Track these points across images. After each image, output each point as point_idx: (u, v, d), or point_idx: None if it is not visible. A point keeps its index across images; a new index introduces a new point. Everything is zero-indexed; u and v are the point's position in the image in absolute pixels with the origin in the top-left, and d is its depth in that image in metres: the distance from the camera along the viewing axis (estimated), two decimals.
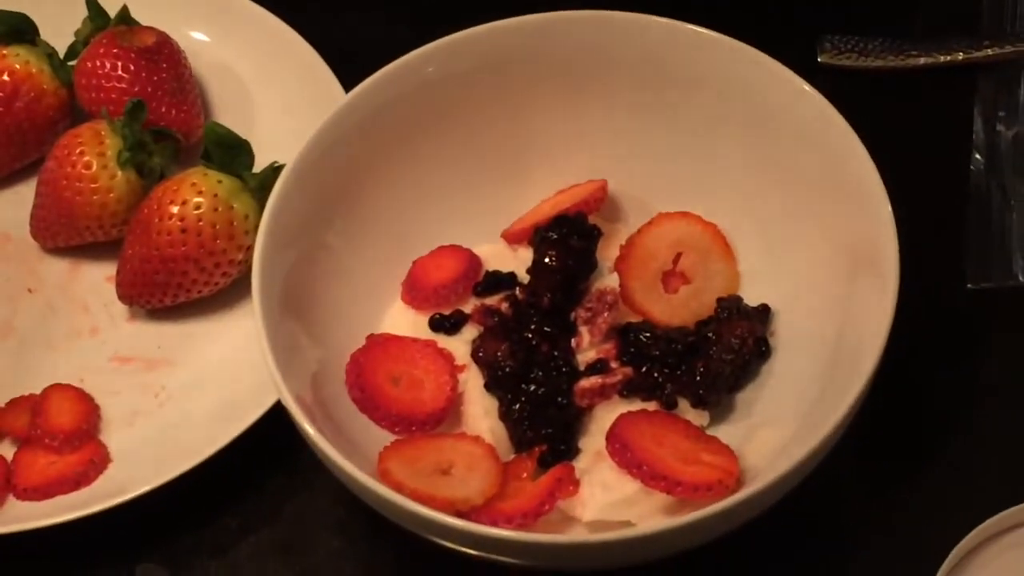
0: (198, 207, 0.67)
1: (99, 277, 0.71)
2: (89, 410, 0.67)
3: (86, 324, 0.70)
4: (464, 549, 0.58)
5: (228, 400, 0.66)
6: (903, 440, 0.66)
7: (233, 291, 0.69)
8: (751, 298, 0.66)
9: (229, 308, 0.69)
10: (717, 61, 0.66)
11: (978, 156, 0.72)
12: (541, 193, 0.69)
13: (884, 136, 0.63)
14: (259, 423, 0.65)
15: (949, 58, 0.75)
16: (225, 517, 0.66)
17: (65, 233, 0.70)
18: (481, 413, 0.64)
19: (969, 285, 0.69)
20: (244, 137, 0.68)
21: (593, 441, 0.63)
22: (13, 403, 0.67)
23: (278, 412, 0.64)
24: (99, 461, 0.65)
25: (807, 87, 0.64)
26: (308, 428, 0.58)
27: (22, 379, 0.68)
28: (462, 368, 0.65)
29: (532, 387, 0.64)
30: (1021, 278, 0.69)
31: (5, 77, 0.72)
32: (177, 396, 0.68)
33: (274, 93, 0.74)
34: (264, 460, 0.66)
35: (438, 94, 0.67)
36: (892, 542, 0.63)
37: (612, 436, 0.61)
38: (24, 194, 0.73)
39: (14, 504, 0.65)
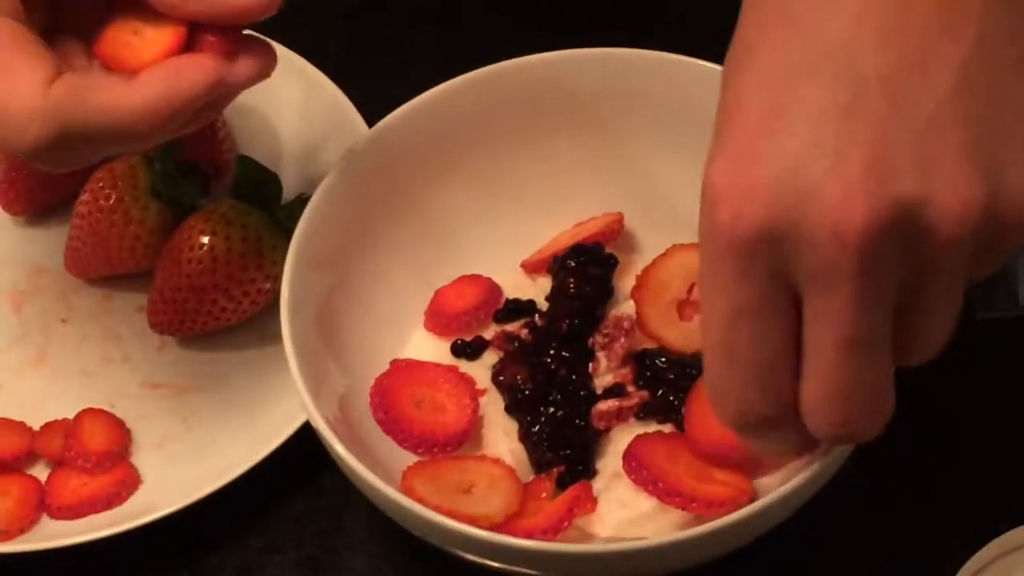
0: (227, 237, 0.69)
1: (131, 308, 0.73)
2: (121, 433, 0.69)
3: (118, 353, 0.72)
4: (486, 561, 0.59)
5: (255, 425, 0.68)
6: (914, 460, 0.67)
7: (260, 320, 0.71)
8: None
9: (257, 336, 0.72)
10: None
11: None
12: (559, 226, 0.71)
13: None
14: (285, 447, 0.67)
15: None
16: (251, 538, 0.67)
17: (98, 264, 0.73)
18: (501, 435, 0.66)
19: (978, 315, 0.71)
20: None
21: (610, 462, 0.65)
22: (47, 427, 0.69)
23: (303, 436, 0.66)
24: (130, 482, 0.67)
25: None
26: (337, 446, 0.59)
27: (56, 405, 0.70)
28: (483, 392, 0.67)
29: (551, 409, 0.66)
30: (1022, 303, 0.71)
31: None
32: (206, 421, 0.70)
33: (300, 130, 0.76)
34: (289, 483, 0.68)
35: (459, 129, 0.69)
36: (901, 559, 0.65)
37: (628, 455, 0.63)
38: (57, 229, 0.75)
39: (47, 523, 0.67)
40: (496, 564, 0.59)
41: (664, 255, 0.70)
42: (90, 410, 0.69)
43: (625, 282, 0.69)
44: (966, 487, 0.67)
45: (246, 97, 0.74)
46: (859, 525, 0.66)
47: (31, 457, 0.69)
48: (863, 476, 0.66)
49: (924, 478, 0.67)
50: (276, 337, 0.67)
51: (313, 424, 0.60)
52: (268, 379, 0.69)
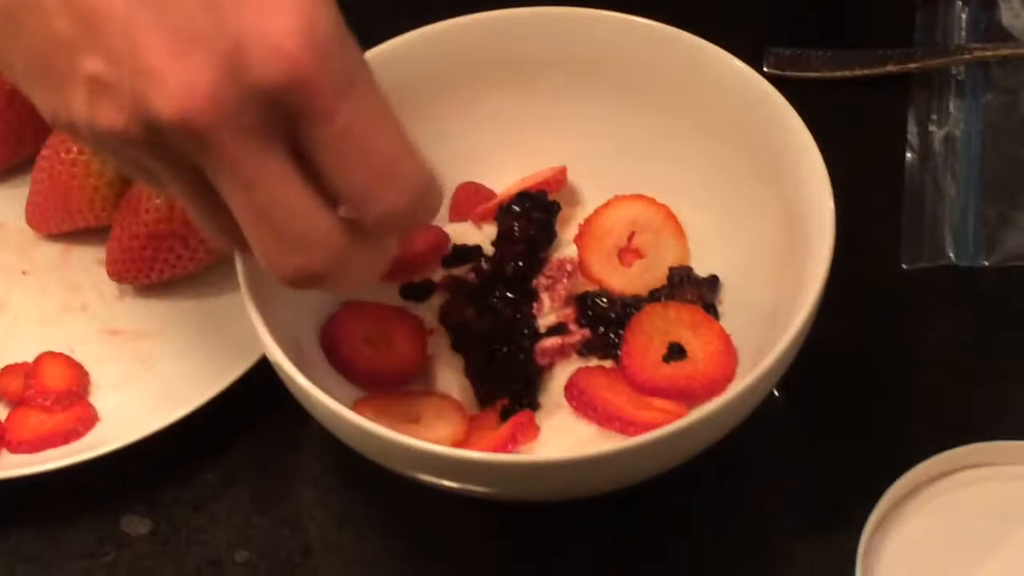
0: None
1: (90, 260, 0.75)
2: (79, 375, 0.71)
3: (77, 302, 0.74)
4: (434, 479, 0.62)
5: (211, 366, 0.70)
6: (838, 396, 0.70)
7: (216, 270, 0.74)
8: (701, 271, 0.71)
9: (213, 286, 0.74)
10: (667, 54, 0.71)
11: (912, 155, 0.77)
12: (506, 181, 0.74)
13: (825, 138, 0.67)
14: (239, 387, 0.69)
15: (885, 69, 0.80)
16: (207, 473, 0.70)
17: (58, 218, 0.75)
18: (449, 372, 0.69)
19: (904, 266, 0.74)
20: None
21: (553, 396, 0.68)
22: (7, 369, 0.71)
23: (256, 377, 0.69)
24: (88, 419, 0.70)
25: (753, 74, 0.69)
26: (296, 375, 0.61)
27: (16, 351, 0.72)
28: (431, 331, 0.70)
29: (496, 346, 0.68)
30: (951, 256, 0.74)
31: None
32: (164, 364, 0.72)
33: None
34: (244, 422, 0.70)
35: (407, 85, 0.72)
36: (825, 488, 0.68)
37: (569, 384, 0.66)
38: (20, 187, 0.77)
39: (6, 457, 0.69)
40: (444, 480, 0.62)
41: (606, 205, 0.73)
42: (49, 353, 0.72)
43: (568, 230, 0.72)
44: (885, 421, 0.70)
45: None
46: (785, 454, 0.70)
47: None
48: (788, 419, 0.70)
49: (847, 412, 0.70)
50: (231, 286, 0.70)
51: (271, 358, 0.63)
52: (224, 326, 0.72)
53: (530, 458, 0.62)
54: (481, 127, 0.74)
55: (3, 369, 0.71)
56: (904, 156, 0.77)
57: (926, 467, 0.66)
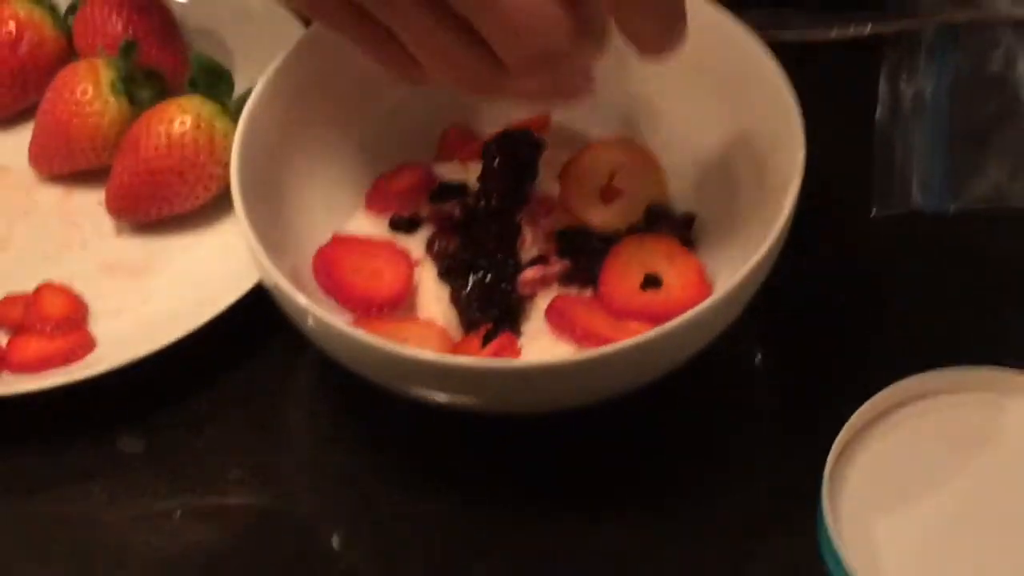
0: (183, 124, 0.74)
1: (91, 201, 0.78)
2: (78, 304, 0.74)
3: (76, 239, 0.77)
4: (420, 388, 0.64)
5: (207, 297, 0.73)
6: (806, 330, 0.73)
7: (212, 208, 0.77)
8: (679, 208, 0.74)
9: (209, 223, 0.77)
10: None
11: (882, 111, 0.80)
12: (494, 124, 0.77)
13: (799, 96, 0.70)
14: (232, 315, 0.72)
15: (859, 30, 0.83)
16: (200, 397, 0.72)
17: (60, 158, 0.78)
18: (434, 301, 0.71)
19: (875, 212, 0.77)
20: None
21: (534, 324, 0.70)
22: (8, 299, 0.74)
23: (248, 308, 0.71)
24: (86, 344, 0.72)
25: (730, 17, 0.72)
26: (295, 295, 0.64)
27: (18, 284, 0.75)
28: (417, 262, 0.72)
29: (480, 274, 0.71)
30: (919, 201, 0.77)
31: (11, 25, 0.80)
32: (161, 296, 0.75)
33: (246, 37, 0.82)
34: (237, 349, 0.73)
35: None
36: (793, 415, 0.71)
37: (550, 307, 0.69)
38: (23, 133, 0.80)
39: (7, 378, 0.71)
40: (429, 390, 0.64)
41: (588, 147, 0.76)
42: (49, 284, 0.74)
43: (552, 169, 0.75)
44: (847, 352, 0.72)
45: (199, 23, 0.80)
46: (753, 385, 0.72)
47: None
48: (755, 350, 0.73)
49: (814, 344, 0.72)
50: (228, 224, 0.73)
51: (269, 280, 0.65)
52: (219, 260, 0.75)
53: (509, 362, 0.65)
54: None
55: (4, 299, 0.74)
56: (875, 112, 0.81)
57: (886, 394, 0.68)
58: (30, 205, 0.79)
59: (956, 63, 0.82)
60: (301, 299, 0.64)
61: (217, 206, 0.76)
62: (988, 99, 0.80)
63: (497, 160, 0.73)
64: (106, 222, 0.77)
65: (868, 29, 0.83)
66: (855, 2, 0.84)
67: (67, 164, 0.78)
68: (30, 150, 0.79)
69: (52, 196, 0.79)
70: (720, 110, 0.73)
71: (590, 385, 0.64)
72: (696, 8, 0.72)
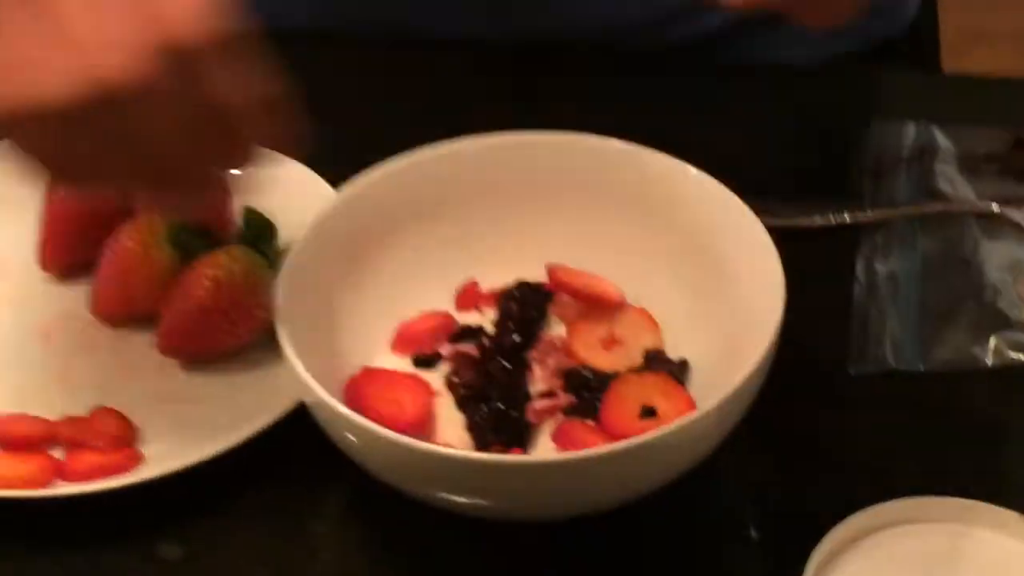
0: (231, 270, 0.83)
1: (144, 342, 0.86)
2: (127, 425, 0.82)
3: (130, 373, 0.85)
4: (446, 492, 0.72)
5: (243, 418, 0.80)
6: (785, 462, 0.81)
7: (253, 351, 0.85)
8: (672, 355, 0.82)
9: (251, 363, 0.85)
10: (646, 177, 0.84)
11: (859, 287, 0.89)
12: (503, 275, 0.86)
13: (786, 270, 0.79)
14: (266, 434, 0.80)
15: (839, 219, 0.93)
16: (234, 509, 0.79)
17: (118, 303, 0.86)
18: (451, 426, 0.80)
19: (852, 371, 0.85)
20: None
21: (542, 448, 0.78)
22: (67, 419, 0.82)
23: (280, 427, 0.79)
24: (135, 459, 0.80)
25: (721, 187, 0.82)
26: (338, 406, 0.73)
27: (74, 409, 0.83)
28: (437, 393, 0.81)
29: (494, 404, 0.79)
30: (892, 362, 0.85)
31: None
32: (202, 418, 0.82)
33: (289, 202, 0.90)
34: (269, 464, 0.80)
35: (414, 203, 0.85)
36: (765, 539, 0.78)
37: (557, 431, 0.78)
38: (83, 284, 0.89)
39: (63, 486, 0.79)
40: (453, 494, 0.72)
41: (589, 311, 0.84)
42: (103, 408, 0.82)
43: (559, 317, 0.84)
44: (822, 482, 0.80)
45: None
46: (731, 506, 0.80)
47: (50, 442, 0.81)
48: (732, 477, 0.80)
49: (791, 475, 0.80)
50: (266, 364, 0.82)
51: (312, 395, 0.74)
52: (265, 394, 0.82)
53: (520, 457, 0.73)
54: (479, 235, 0.86)
55: (64, 419, 0.82)
56: (852, 288, 0.89)
57: (856, 520, 0.75)
58: (89, 344, 0.87)
59: (925, 247, 0.91)
60: (342, 408, 0.72)
61: (258, 348, 0.85)
62: (953, 278, 0.89)
63: (512, 307, 0.82)
64: (158, 358, 0.85)
65: (847, 219, 0.93)
66: (836, 193, 0.94)
67: (124, 309, 0.87)
68: (91, 298, 0.88)
69: (110, 335, 0.87)
70: (712, 271, 0.82)
71: (590, 485, 0.72)
72: (693, 179, 0.83)
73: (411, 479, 0.73)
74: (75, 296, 0.89)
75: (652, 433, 0.70)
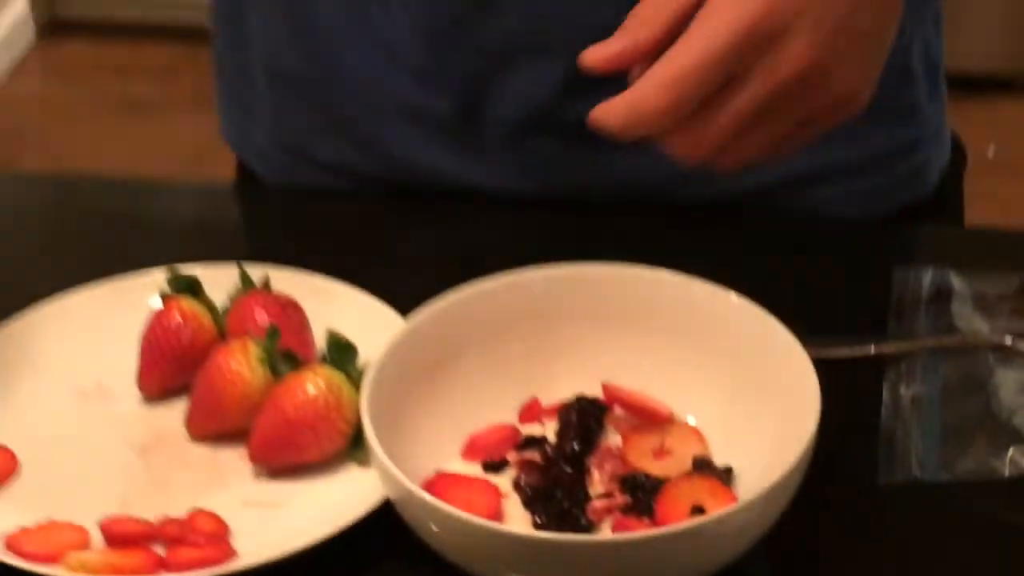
0: (317, 387, 0.92)
1: (235, 456, 0.95)
2: (222, 525, 0.90)
3: (223, 482, 0.94)
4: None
5: (331, 516, 0.89)
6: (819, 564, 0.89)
7: (336, 463, 0.93)
8: (718, 462, 0.91)
9: (330, 471, 0.93)
10: (693, 303, 0.93)
11: (886, 410, 0.98)
12: (561, 391, 0.95)
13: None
14: (347, 533, 0.88)
15: (865, 351, 1.01)
16: None
17: (213, 419, 0.95)
18: (518, 524, 0.87)
19: (880, 481, 0.93)
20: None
21: None
22: (168, 520, 0.90)
23: (369, 525, 0.88)
24: (228, 553, 0.88)
25: (769, 317, 0.91)
26: (427, 496, 0.82)
27: (174, 512, 0.91)
28: (505, 495, 0.89)
29: (557, 504, 0.87)
30: (917, 473, 0.93)
31: (177, 316, 0.99)
32: (290, 519, 0.90)
33: (366, 329, 1.00)
34: (352, 561, 0.89)
35: (484, 321, 0.94)
36: None
37: (615, 527, 0.86)
38: (178, 405, 0.98)
39: None
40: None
41: (641, 426, 0.93)
42: (200, 510, 0.91)
43: (615, 427, 0.92)
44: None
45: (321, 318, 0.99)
46: None
47: (152, 539, 0.89)
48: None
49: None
50: (346, 472, 0.91)
51: (401, 490, 0.83)
52: (348, 496, 0.91)
53: (588, 537, 0.82)
54: (540, 355, 0.95)
55: (165, 520, 0.90)
56: (880, 411, 0.98)
57: None
58: (184, 457, 0.96)
59: (946, 373, 1.00)
60: (430, 498, 0.81)
61: (340, 460, 0.93)
62: (972, 400, 0.98)
63: (572, 418, 0.91)
64: (246, 468, 0.94)
65: (872, 350, 1.02)
66: (862, 329, 1.03)
67: (217, 424, 0.95)
68: (186, 418, 0.97)
69: (203, 451, 0.96)
70: (755, 388, 0.91)
71: (644, 566, 0.80)
72: (735, 304, 0.92)
73: (489, 561, 0.81)
74: (172, 415, 0.98)
75: (700, 519, 0.78)
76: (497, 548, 0.80)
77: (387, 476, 0.83)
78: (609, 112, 0.91)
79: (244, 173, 1.30)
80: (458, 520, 0.80)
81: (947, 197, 1.24)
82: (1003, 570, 0.89)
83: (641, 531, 0.82)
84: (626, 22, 0.92)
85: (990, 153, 2.95)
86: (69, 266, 1.11)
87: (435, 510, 0.81)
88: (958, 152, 1.26)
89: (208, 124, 1.40)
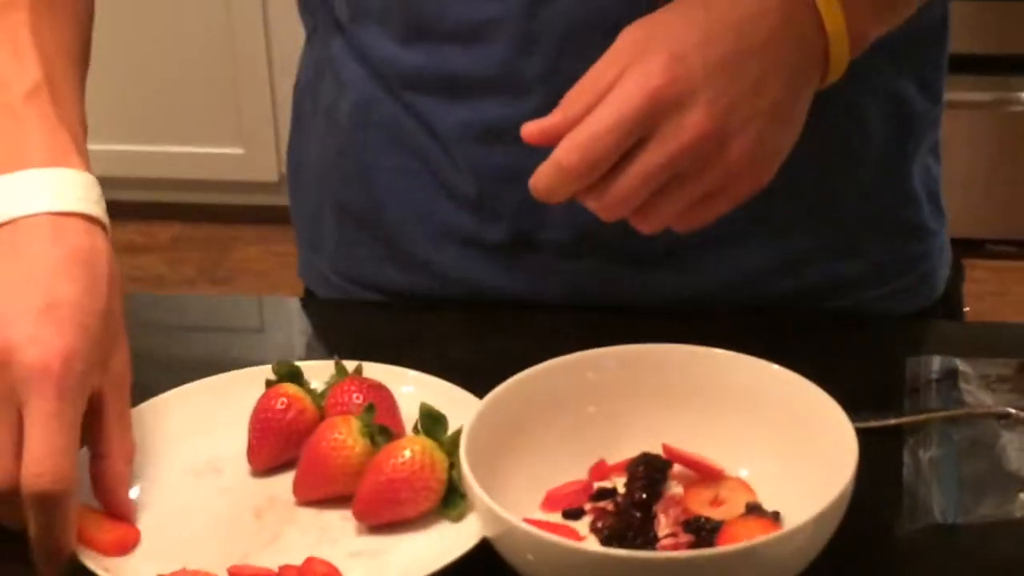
0: (412, 451, 1.05)
1: (338, 516, 1.08)
2: (336, 570, 1.02)
3: (329, 537, 1.06)
4: None
5: (427, 566, 1.01)
6: None
7: (429, 519, 1.06)
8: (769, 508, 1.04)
9: (428, 525, 1.06)
10: (739, 373, 1.07)
11: (907, 471, 1.11)
12: (625, 452, 1.08)
13: None
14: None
15: (885, 422, 1.15)
16: None
17: (320, 484, 1.08)
18: None
19: (906, 528, 1.06)
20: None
21: None
22: (284, 567, 1.02)
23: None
24: None
25: (816, 389, 1.05)
26: (527, 527, 0.95)
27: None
28: (584, 538, 1.02)
29: (630, 544, 1.00)
30: (938, 519, 1.06)
31: (282, 400, 1.12)
32: (394, 568, 1.03)
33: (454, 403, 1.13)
34: None
35: (559, 393, 1.08)
36: None
37: None
38: (284, 476, 1.11)
39: None
40: None
41: (700, 480, 1.06)
42: (312, 558, 1.03)
43: (677, 480, 1.06)
44: None
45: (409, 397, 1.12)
46: None
47: None
48: None
49: None
50: (438, 527, 1.03)
51: (504, 524, 0.95)
52: (436, 549, 1.03)
53: (663, 553, 0.95)
54: (606, 421, 1.09)
55: (281, 567, 1.03)
56: (902, 471, 1.11)
57: None
58: (295, 519, 1.08)
59: (957, 439, 1.13)
60: (527, 527, 0.94)
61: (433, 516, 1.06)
62: (982, 459, 1.12)
63: (640, 470, 1.04)
64: (350, 527, 1.06)
65: (891, 422, 1.16)
66: (881, 406, 1.17)
67: (323, 489, 1.08)
68: (295, 482, 1.09)
69: (310, 513, 1.09)
70: (800, 449, 1.04)
71: None
72: (777, 373, 1.06)
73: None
74: (280, 484, 1.11)
75: (759, 539, 0.91)
76: (585, 567, 0.93)
77: (488, 513, 0.96)
78: (538, 175, 1.07)
79: (308, 294, 1.45)
80: (550, 544, 0.93)
81: (951, 304, 1.39)
82: None
83: (712, 548, 0.95)
84: (561, 102, 1.08)
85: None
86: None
87: (532, 538, 0.93)
88: (957, 265, 1.41)
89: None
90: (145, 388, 1.16)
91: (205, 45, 3.73)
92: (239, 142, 3.83)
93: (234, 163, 3.86)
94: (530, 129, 1.08)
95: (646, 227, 1.09)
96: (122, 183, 3.86)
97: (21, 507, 0.99)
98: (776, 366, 1.07)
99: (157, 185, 3.92)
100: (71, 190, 1.08)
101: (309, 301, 1.44)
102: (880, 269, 1.33)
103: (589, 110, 1.05)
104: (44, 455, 0.98)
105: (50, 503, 0.98)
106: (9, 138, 1.10)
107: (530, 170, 1.07)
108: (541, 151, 1.07)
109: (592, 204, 1.07)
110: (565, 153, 1.05)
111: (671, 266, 1.29)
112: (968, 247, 3.48)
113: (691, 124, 1.04)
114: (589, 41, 1.11)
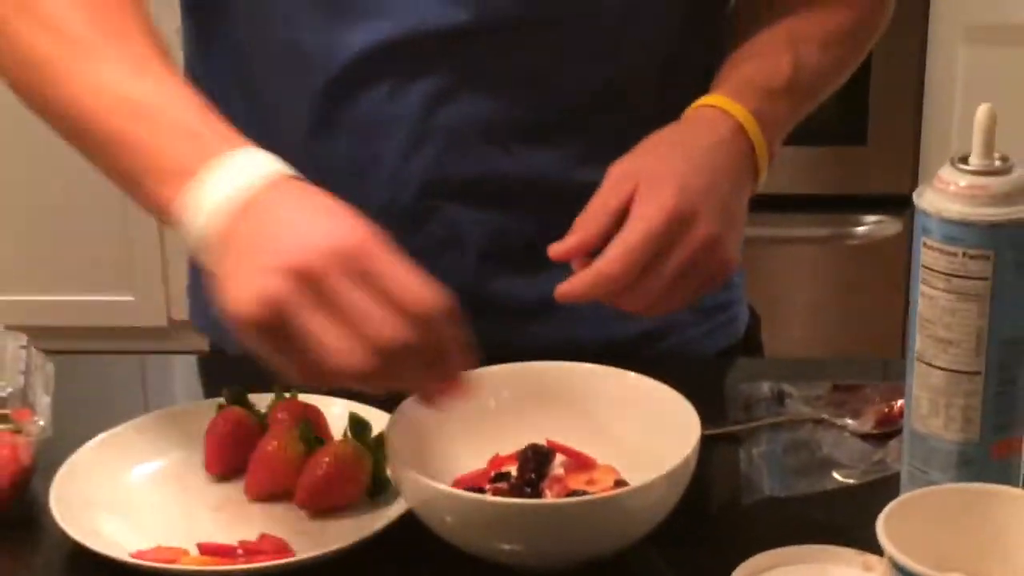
0: (344, 452, 1.30)
1: (283, 508, 1.31)
2: (285, 543, 1.25)
3: (279, 524, 1.29)
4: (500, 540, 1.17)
5: (354, 536, 1.25)
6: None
7: (359, 506, 1.30)
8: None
9: (358, 510, 1.30)
10: (603, 382, 1.34)
11: (743, 465, 1.37)
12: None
13: None
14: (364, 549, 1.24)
15: (719, 430, 1.42)
16: None
17: (265, 481, 1.32)
18: None
19: (744, 501, 1.32)
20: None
21: None
22: (242, 542, 1.26)
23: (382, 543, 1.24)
24: (291, 555, 1.24)
25: (665, 387, 1.31)
26: (436, 485, 1.19)
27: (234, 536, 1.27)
28: None
29: None
30: (767, 492, 1.32)
31: (233, 417, 1.36)
32: (329, 541, 1.26)
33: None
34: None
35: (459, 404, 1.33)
36: None
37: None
38: (237, 483, 1.34)
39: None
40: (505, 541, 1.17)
41: (574, 467, 1.31)
42: (265, 534, 1.26)
43: (559, 464, 1.31)
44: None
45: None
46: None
47: (232, 552, 1.25)
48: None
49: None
50: (369, 512, 1.28)
51: (427, 494, 1.19)
52: (360, 528, 1.27)
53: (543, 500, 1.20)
54: (502, 426, 1.33)
55: (241, 542, 1.26)
56: (739, 463, 1.38)
57: (752, 563, 1.21)
58: (247, 513, 1.32)
59: (783, 438, 1.40)
60: (441, 486, 1.18)
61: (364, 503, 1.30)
62: (802, 452, 1.38)
63: (529, 456, 1.29)
64: (294, 515, 1.30)
65: (730, 428, 1.42)
66: (720, 420, 1.44)
67: (270, 486, 1.32)
68: (246, 482, 1.33)
69: (259, 507, 1.32)
70: (652, 436, 1.30)
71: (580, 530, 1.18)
72: (633, 378, 1.32)
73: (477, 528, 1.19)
74: (234, 487, 1.35)
75: (625, 488, 1.17)
76: (493, 517, 1.17)
77: (414, 483, 1.20)
78: (576, 283, 1.33)
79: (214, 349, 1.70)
80: (465, 500, 1.18)
81: (752, 343, 1.69)
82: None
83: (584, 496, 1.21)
84: (574, 225, 1.36)
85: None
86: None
87: (450, 497, 1.18)
88: (753, 314, 1.71)
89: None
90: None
91: (97, 193, 3.90)
92: (129, 289, 3.99)
93: (124, 309, 4.03)
94: (556, 249, 1.35)
95: (660, 311, 1.37)
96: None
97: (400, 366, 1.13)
98: (634, 374, 1.33)
99: (44, 334, 4.05)
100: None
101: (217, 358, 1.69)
102: (698, 312, 1.62)
103: (605, 229, 1.34)
104: (412, 283, 1.12)
105: (439, 319, 1.13)
106: (207, 134, 1.24)
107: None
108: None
109: (629, 306, 1.35)
110: (607, 264, 1.32)
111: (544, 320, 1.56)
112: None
113: (701, 230, 1.34)
114: None
